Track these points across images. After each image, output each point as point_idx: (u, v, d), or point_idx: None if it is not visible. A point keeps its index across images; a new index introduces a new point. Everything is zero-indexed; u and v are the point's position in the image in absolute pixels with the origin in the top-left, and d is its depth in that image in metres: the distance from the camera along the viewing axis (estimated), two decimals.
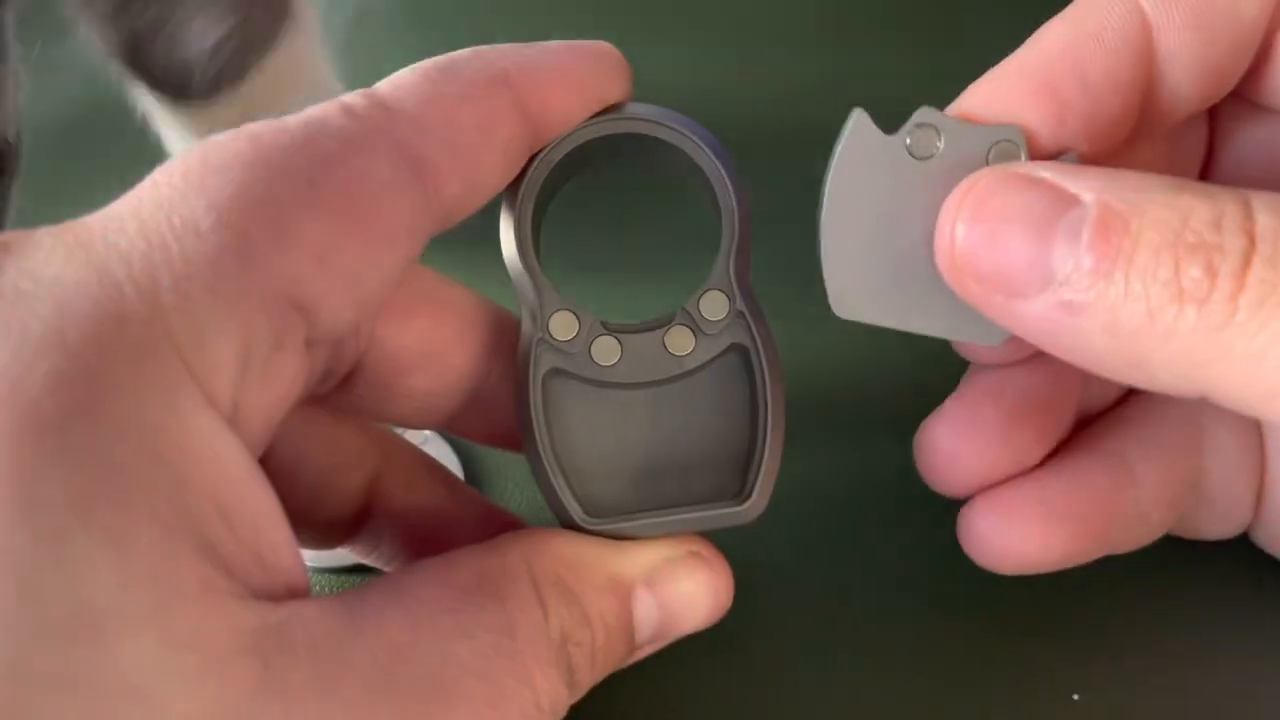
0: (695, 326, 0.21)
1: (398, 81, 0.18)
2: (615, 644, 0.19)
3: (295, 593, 0.16)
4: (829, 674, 0.24)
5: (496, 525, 0.23)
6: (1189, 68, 0.19)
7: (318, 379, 0.19)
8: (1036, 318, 0.17)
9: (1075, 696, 0.23)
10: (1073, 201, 0.16)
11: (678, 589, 0.20)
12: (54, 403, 0.14)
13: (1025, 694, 0.23)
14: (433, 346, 0.21)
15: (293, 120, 0.17)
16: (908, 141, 0.19)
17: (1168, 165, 0.22)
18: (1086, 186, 0.17)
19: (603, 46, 0.20)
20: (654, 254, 0.33)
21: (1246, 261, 0.15)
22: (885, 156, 0.19)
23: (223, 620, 0.14)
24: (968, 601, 0.25)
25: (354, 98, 0.18)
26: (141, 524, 0.14)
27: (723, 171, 0.21)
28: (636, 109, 0.21)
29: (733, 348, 0.21)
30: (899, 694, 0.23)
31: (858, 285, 0.20)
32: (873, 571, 0.25)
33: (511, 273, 0.21)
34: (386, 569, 0.24)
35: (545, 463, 0.20)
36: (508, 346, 0.21)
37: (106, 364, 0.14)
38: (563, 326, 0.20)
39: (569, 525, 0.20)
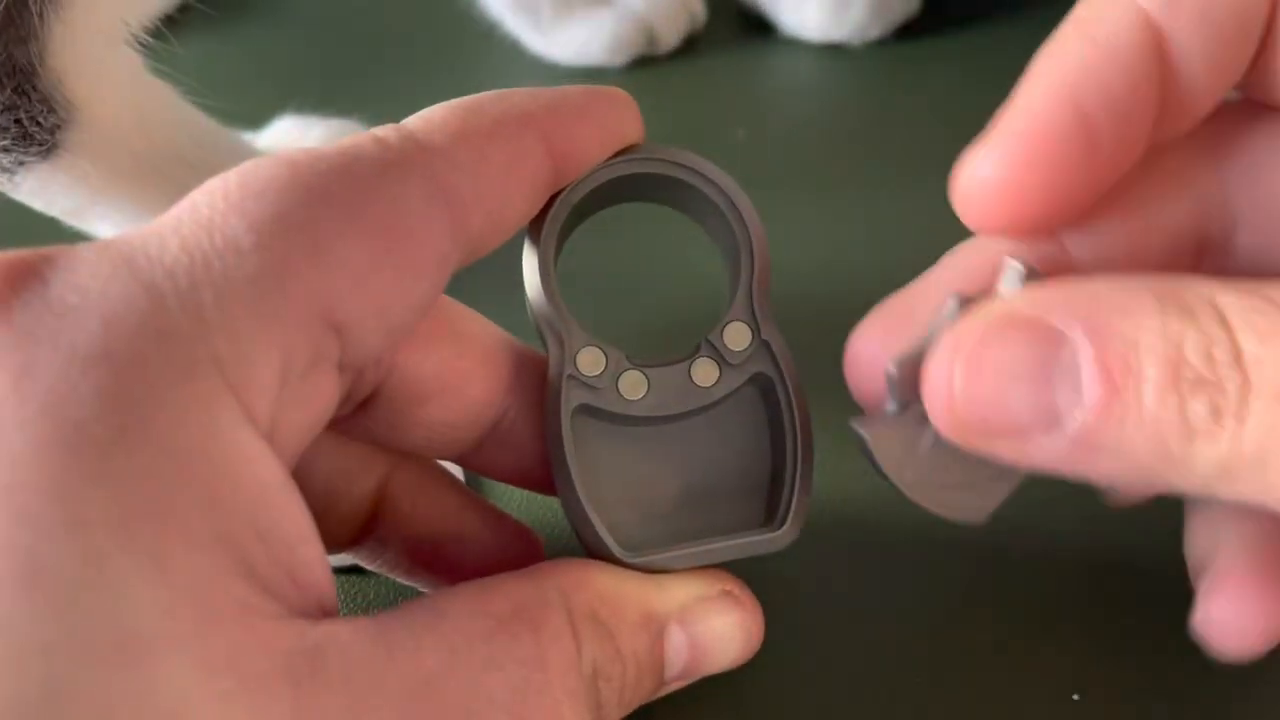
0: (719, 358, 0.21)
1: (428, 117, 0.19)
2: (645, 680, 0.19)
3: (325, 609, 0.16)
4: (828, 672, 0.24)
5: (505, 533, 0.23)
6: (1202, 65, 0.19)
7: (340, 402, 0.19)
8: (1048, 456, 0.17)
9: (1075, 697, 0.23)
10: (1060, 340, 0.16)
11: (710, 627, 0.20)
12: (99, 422, 0.14)
13: (1025, 694, 0.23)
14: (452, 377, 0.21)
15: (329, 149, 0.17)
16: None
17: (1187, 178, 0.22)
18: (1071, 319, 0.16)
19: (618, 91, 0.21)
20: (658, 289, 0.34)
21: (1244, 398, 0.15)
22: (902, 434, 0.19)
23: (258, 642, 0.14)
24: (967, 601, 0.25)
25: (386, 131, 0.18)
26: (181, 545, 0.14)
27: (740, 207, 0.21)
28: (654, 149, 0.21)
29: (756, 377, 0.21)
30: (899, 693, 0.23)
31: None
32: (873, 571, 0.25)
33: (535, 309, 0.21)
34: (390, 575, 0.24)
35: (580, 498, 0.20)
36: (527, 382, 0.22)
37: (150, 381, 0.14)
38: (590, 362, 0.21)
39: (602, 558, 0.20)
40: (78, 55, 0.27)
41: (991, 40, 0.48)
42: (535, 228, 0.21)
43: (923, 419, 0.18)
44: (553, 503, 0.22)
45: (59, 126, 0.27)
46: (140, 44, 0.30)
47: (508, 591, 0.18)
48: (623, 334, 0.23)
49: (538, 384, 0.21)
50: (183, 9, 0.52)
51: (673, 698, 0.21)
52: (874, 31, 0.48)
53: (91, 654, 0.13)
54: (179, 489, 0.14)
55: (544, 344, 0.21)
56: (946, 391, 0.17)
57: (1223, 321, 0.16)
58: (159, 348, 0.15)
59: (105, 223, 0.30)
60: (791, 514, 0.20)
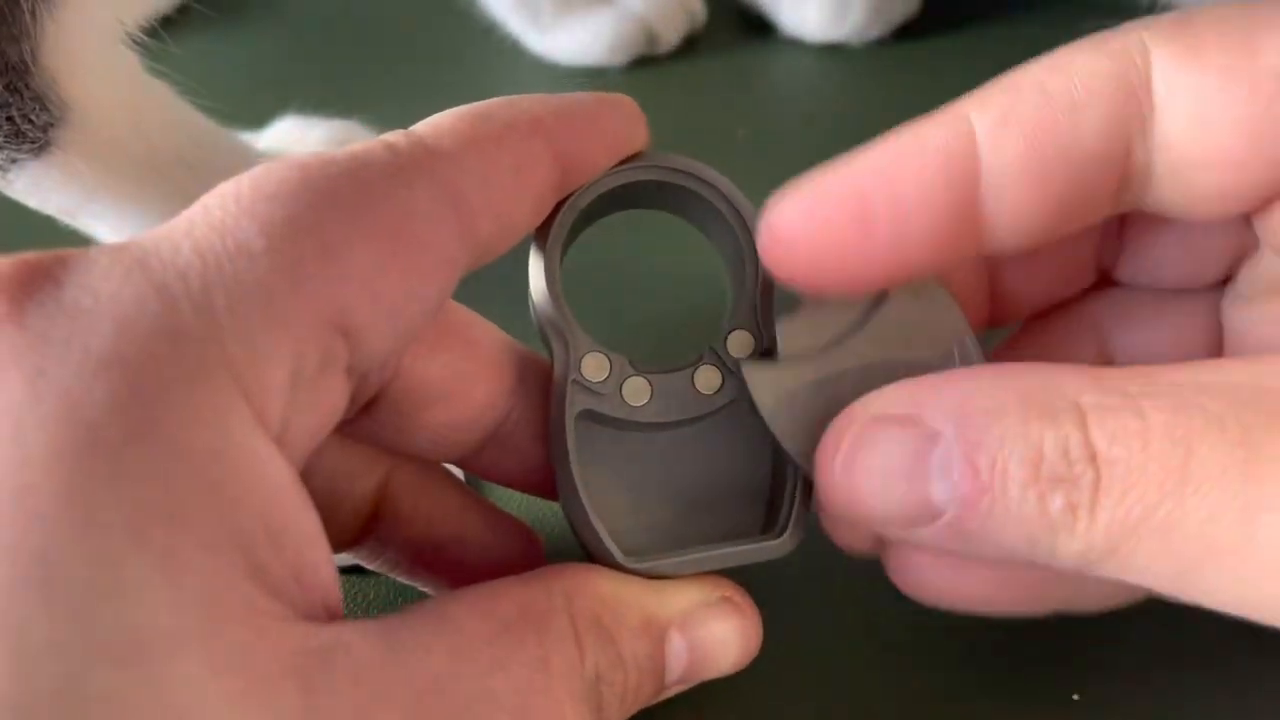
0: (722, 365, 0.21)
1: (436, 123, 0.19)
2: (645, 684, 0.19)
3: (331, 611, 0.16)
4: (827, 672, 0.24)
5: (505, 532, 0.23)
6: (1023, 191, 0.19)
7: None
8: (933, 540, 0.18)
9: (1075, 697, 0.23)
10: (935, 437, 0.17)
11: (710, 633, 0.20)
12: (112, 424, 0.14)
13: (1025, 694, 0.23)
14: (456, 381, 0.21)
15: (339, 154, 0.17)
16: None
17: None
18: (943, 416, 0.17)
19: (625, 99, 0.21)
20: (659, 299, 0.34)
21: (1096, 494, 0.16)
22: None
23: (267, 643, 0.14)
24: None
25: (395, 136, 0.18)
26: (193, 546, 0.14)
27: (744, 214, 0.21)
28: (659, 157, 0.21)
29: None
30: (899, 693, 0.23)
31: None
32: (872, 574, 0.25)
33: (541, 314, 0.21)
34: (391, 574, 0.24)
35: (583, 503, 0.20)
36: (530, 387, 0.22)
37: (163, 384, 0.14)
38: (595, 368, 0.21)
39: (604, 563, 0.20)
40: (71, 54, 0.27)
41: (991, 40, 0.48)
42: (541, 234, 0.21)
43: (809, 364, 0.20)
44: (553, 504, 0.22)
45: (51, 125, 0.27)
46: (137, 44, 0.30)
47: (512, 595, 0.18)
48: (625, 340, 0.23)
49: (540, 388, 0.21)
50: (182, 9, 0.52)
51: (671, 702, 0.21)
52: (874, 31, 0.48)
53: (104, 654, 0.13)
54: (191, 490, 0.14)
55: (547, 349, 0.21)
56: (829, 483, 0.18)
57: (1081, 422, 0.16)
58: (172, 350, 0.15)
59: (100, 222, 0.30)
60: (792, 522, 0.21)
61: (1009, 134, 0.18)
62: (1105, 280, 0.24)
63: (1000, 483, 0.17)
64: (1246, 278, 0.21)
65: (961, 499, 0.17)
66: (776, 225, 0.19)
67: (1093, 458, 0.16)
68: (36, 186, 0.28)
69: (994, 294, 0.23)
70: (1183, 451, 0.16)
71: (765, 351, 0.21)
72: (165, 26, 0.30)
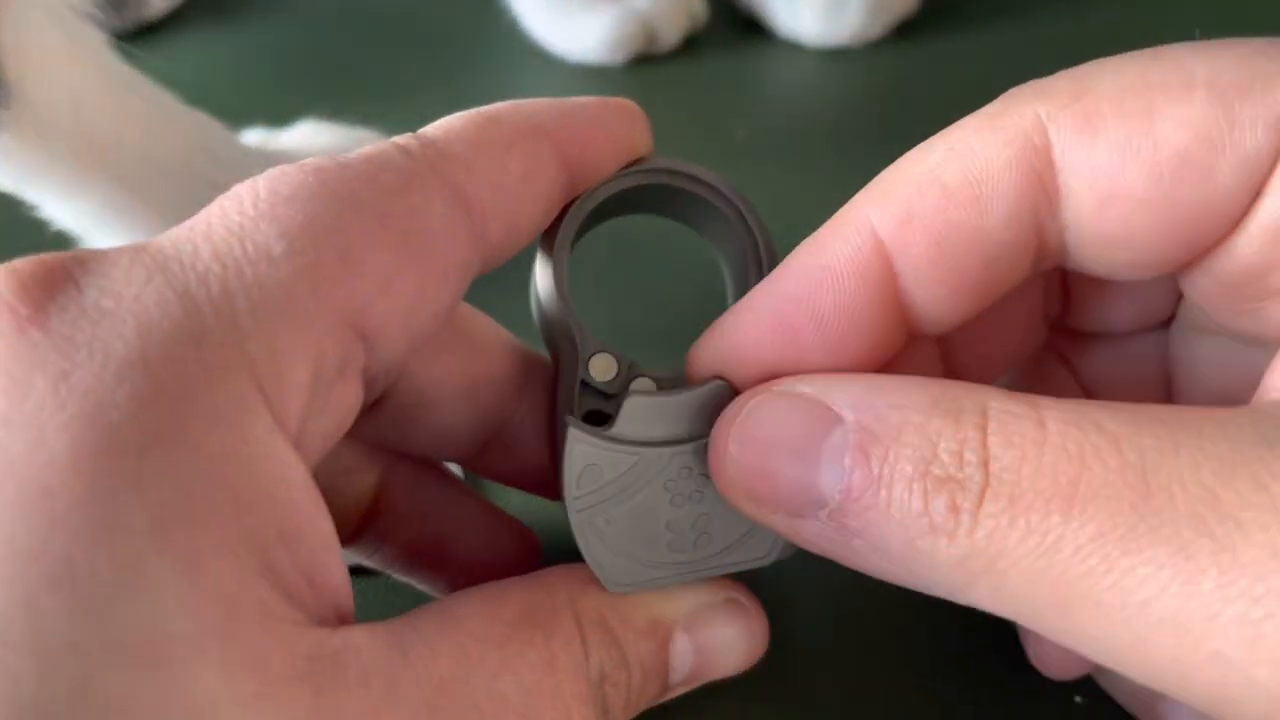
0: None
1: (447, 126, 0.19)
2: (650, 685, 0.19)
3: (342, 614, 0.16)
4: (826, 671, 0.24)
5: (501, 532, 0.24)
6: (936, 285, 0.18)
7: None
8: (815, 536, 0.17)
9: (1077, 699, 0.23)
10: (835, 420, 0.17)
11: (715, 634, 0.20)
12: (134, 427, 0.14)
13: (1027, 696, 0.23)
14: (462, 383, 0.21)
15: (353, 157, 0.18)
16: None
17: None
18: (848, 403, 0.17)
19: (630, 104, 0.21)
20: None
21: (981, 498, 0.15)
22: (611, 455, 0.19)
23: (281, 646, 0.15)
24: None
25: (407, 139, 0.18)
26: (211, 550, 0.14)
27: (751, 222, 0.21)
28: (665, 161, 0.21)
29: None
30: (899, 693, 0.23)
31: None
32: None
33: (548, 315, 0.21)
34: (388, 570, 0.24)
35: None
36: (534, 388, 0.21)
37: (185, 387, 0.15)
38: (602, 369, 0.20)
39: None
40: (16, 33, 0.27)
41: (991, 40, 0.48)
42: (549, 237, 0.21)
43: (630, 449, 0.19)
44: (552, 505, 0.22)
45: None
46: (123, 41, 0.30)
47: (518, 597, 0.18)
48: (628, 343, 0.23)
49: (543, 389, 0.21)
50: (183, 8, 0.52)
51: (676, 704, 0.21)
52: (873, 32, 0.48)
53: (121, 655, 0.13)
54: (211, 493, 0.14)
55: (550, 352, 0.21)
56: (722, 454, 0.18)
57: (982, 425, 0.16)
58: (194, 353, 0.15)
59: (51, 202, 0.30)
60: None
61: (913, 235, 0.18)
62: (1060, 327, 0.23)
63: (888, 476, 0.16)
64: (1181, 316, 0.21)
65: (847, 488, 0.16)
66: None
67: (985, 462, 0.16)
68: None
69: (948, 370, 0.22)
70: (1075, 468, 0.15)
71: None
72: (165, 25, 0.30)
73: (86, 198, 0.30)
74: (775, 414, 0.17)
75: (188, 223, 0.16)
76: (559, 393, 0.20)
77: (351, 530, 0.23)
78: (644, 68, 0.47)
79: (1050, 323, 0.23)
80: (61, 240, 0.32)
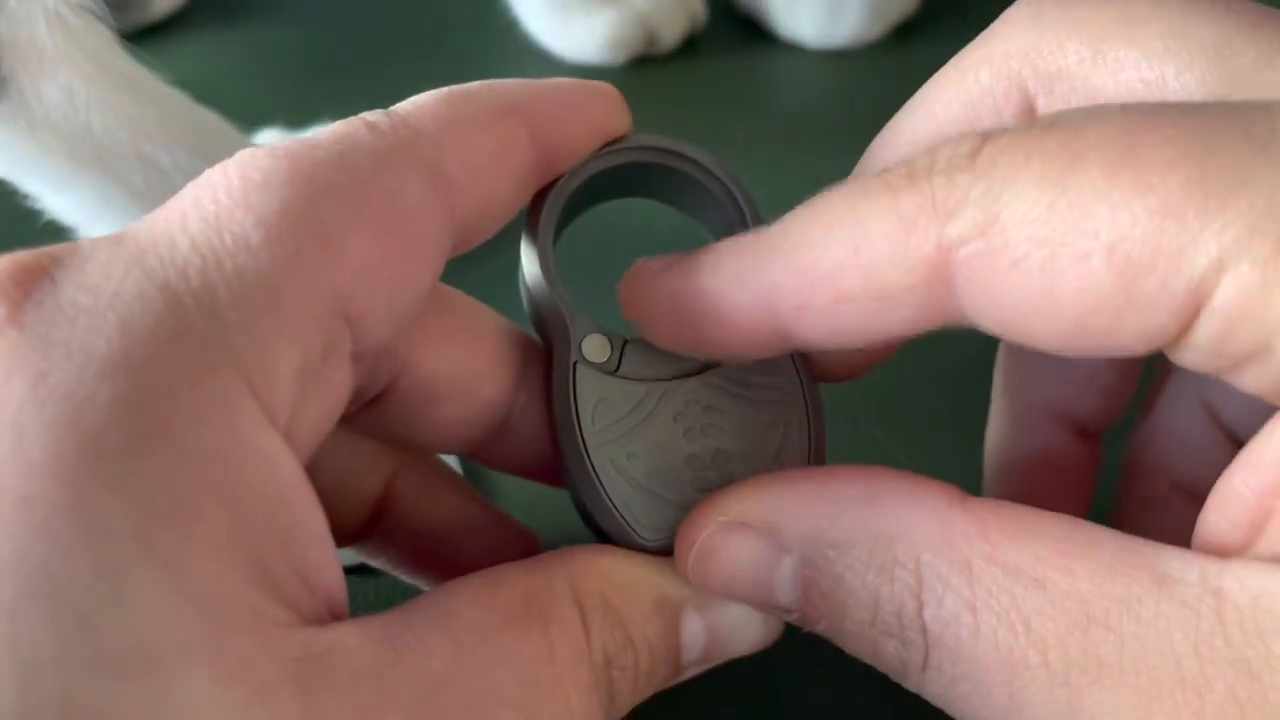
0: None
1: (419, 103, 0.19)
2: (660, 666, 0.19)
3: (335, 611, 0.16)
4: (826, 670, 0.24)
5: (506, 533, 0.23)
6: (848, 357, 0.21)
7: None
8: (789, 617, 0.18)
9: None
10: (781, 554, 0.18)
11: (729, 612, 0.19)
12: (117, 430, 0.14)
13: None
14: (465, 377, 0.21)
15: (323, 137, 0.17)
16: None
17: None
18: (794, 537, 0.18)
19: (607, 86, 0.21)
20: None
21: (925, 660, 0.16)
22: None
23: (269, 650, 0.14)
24: None
25: (377, 116, 0.18)
26: (199, 553, 0.14)
27: (737, 194, 0.21)
28: (645, 139, 0.21)
29: (767, 378, 0.21)
30: (898, 693, 0.23)
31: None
32: None
33: (537, 300, 0.21)
34: (393, 571, 0.24)
35: (598, 484, 0.20)
36: (535, 376, 0.21)
37: (169, 384, 0.14)
38: (597, 349, 0.20)
39: (623, 544, 0.20)
40: (13, 27, 0.27)
41: None
42: (532, 220, 0.21)
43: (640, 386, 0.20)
44: (552, 502, 0.22)
45: None
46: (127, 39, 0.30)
47: (514, 583, 0.18)
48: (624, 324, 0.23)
49: (543, 376, 0.21)
50: (186, 9, 0.52)
51: (679, 694, 0.21)
52: (872, 33, 0.48)
53: (104, 666, 0.13)
54: (197, 494, 0.14)
55: (543, 337, 0.21)
56: (683, 568, 0.19)
57: (916, 593, 0.16)
58: (176, 349, 0.14)
59: (48, 194, 0.30)
60: None
61: (808, 321, 0.17)
62: None
63: (838, 614, 0.17)
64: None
65: (801, 612, 0.18)
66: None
67: (923, 630, 0.16)
68: None
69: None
70: (1013, 658, 0.15)
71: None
72: (167, 24, 0.30)
73: (80, 190, 0.30)
74: (728, 549, 0.18)
75: (160, 212, 0.16)
76: (553, 376, 0.20)
77: (359, 530, 0.22)
78: (644, 68, 0.47)
79: None
80: (52, 230, 0.31)
